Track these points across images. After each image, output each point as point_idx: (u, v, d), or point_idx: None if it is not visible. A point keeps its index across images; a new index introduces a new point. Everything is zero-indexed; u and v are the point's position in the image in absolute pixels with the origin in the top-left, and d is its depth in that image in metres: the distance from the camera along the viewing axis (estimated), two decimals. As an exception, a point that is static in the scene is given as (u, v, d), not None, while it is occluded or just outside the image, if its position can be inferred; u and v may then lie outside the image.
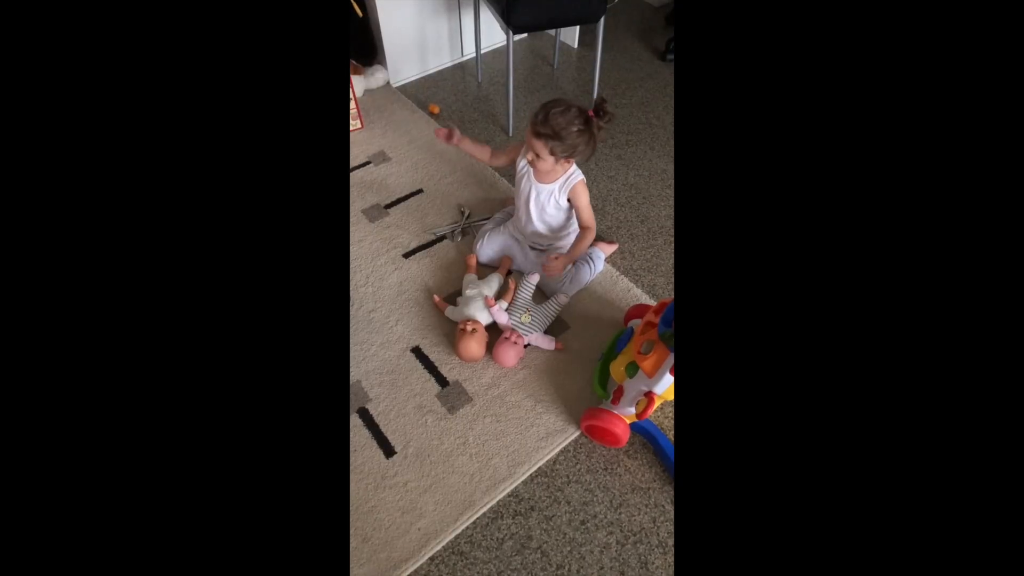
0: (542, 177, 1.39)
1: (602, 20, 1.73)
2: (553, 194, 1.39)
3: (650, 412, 1.10)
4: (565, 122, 1.23)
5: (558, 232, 1.47)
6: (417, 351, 1.38)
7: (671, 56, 2.24)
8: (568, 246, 1.50)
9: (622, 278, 1.53)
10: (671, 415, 1.27)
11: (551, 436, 1.24)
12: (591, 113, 1.26)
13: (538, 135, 1.26)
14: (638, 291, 1.50)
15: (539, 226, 1.45)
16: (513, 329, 1.35)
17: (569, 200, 1.39)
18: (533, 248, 1.52)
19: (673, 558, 1.08)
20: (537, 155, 1.29)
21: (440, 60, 2.21)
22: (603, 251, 1.55)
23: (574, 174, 1.38)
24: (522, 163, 1.40)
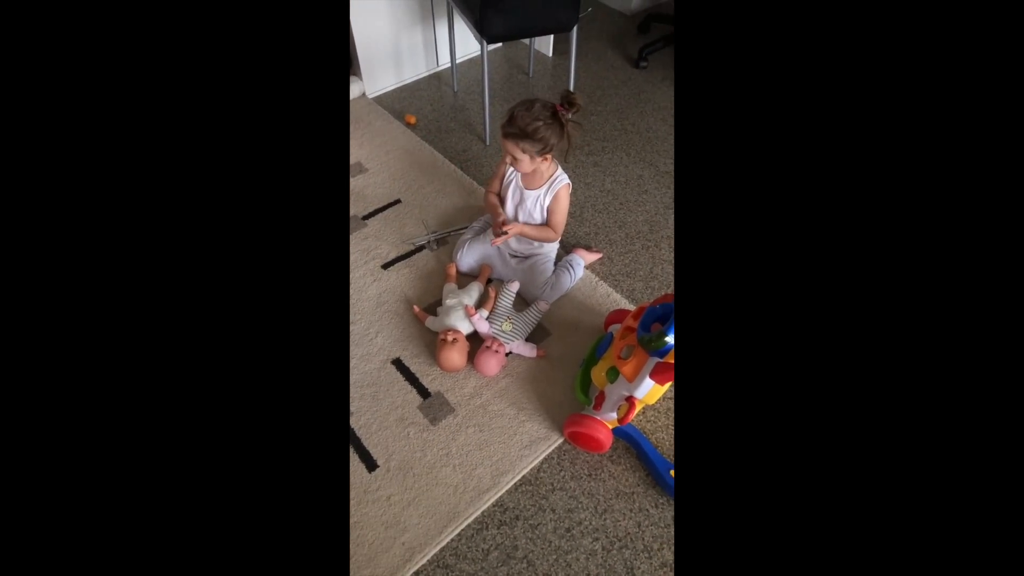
0: (529, 182, 1.40)
1: (575, 29, 1.75)
2: (539, 199, 1.40)
3: (631, 416, 1.10)
4: (530, 118, 1.25)
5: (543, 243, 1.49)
6: (398, 363, 1.37)
7: (644, 63, 2.27)
8: (550, 255, 1.52)
9: (601, 284, 1.54)
10: (653, 419, 1.28)
11: (535, 444, 1.24)
12: (558, 106, 1.27)
13: (507, 135, 1.28)
14: (617, 296, 1.51)
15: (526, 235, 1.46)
16: (494, 338, 1.35)
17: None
18: (513, 256, 1.52)
19: (658, 562, 1.09)
20: (513, 157, 1.30)
21: (416, 70, 2.21)
22: (584, 258, 1.56)
23: (559, 178, 1.39)
24: (510, 170, 1.41)
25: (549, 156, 1.33)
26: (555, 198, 1.39)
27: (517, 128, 1.25)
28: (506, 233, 1.38)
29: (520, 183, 1.41)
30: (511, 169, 1.41)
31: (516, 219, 1.45)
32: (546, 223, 1.45)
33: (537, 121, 1.25)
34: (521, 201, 1.42)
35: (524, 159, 1.30)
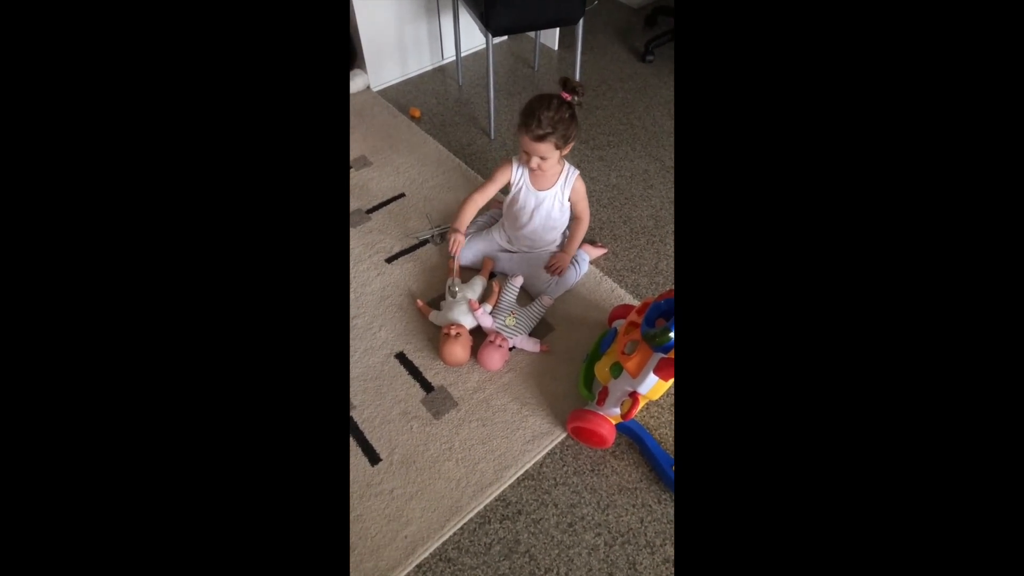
0: (541, 183, 1.40)
1: (581, 22, 1.73)
2: (556, 197, 1.41)
3: (635, 412, 1.10)
4: (558, 116, 1.25)
5: (559, 233, 1.51)
6: (401, 357, 1.37)
7: (651, 57, 2.26)
8: (553, 250, 1.51)
9: (606, 279, 1.53)
10: (657, 415, 1.27)
11: (537, 439, 1.23)
12: (566, 96, 1.27)
13: (541, 139, 1.26)
14: (622, 291, 1.51)
15: (544, 233, 1.47)
16: (498, 332, 1.35)
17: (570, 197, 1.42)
18: (518, 252, 1.52)
19: (660, 558, 1.09)
20: (543, 157, 1.30)
21: (420, 64, 2.20)
22: (589, 254, 1.55)
23: (571, 171, 1.40)
24: (517, 175, 1.40)
25: (569, 147, 1.33)
26: (576, 192, 1.41)
27: (551, 127, 1.25)
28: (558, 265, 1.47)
29: (531, 186, 1.40)
30: (519, 174, 1.39)
31: (532, 221, 1.44)
32: (573, 222, 1.48)
33: (563, 113, 1.26)
34: (537, 204, 1.41)
35: (554, 156, 1.31)
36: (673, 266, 1.58)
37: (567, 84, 1.27)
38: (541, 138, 1.26)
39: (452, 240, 1.41)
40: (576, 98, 1.28)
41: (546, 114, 1.24)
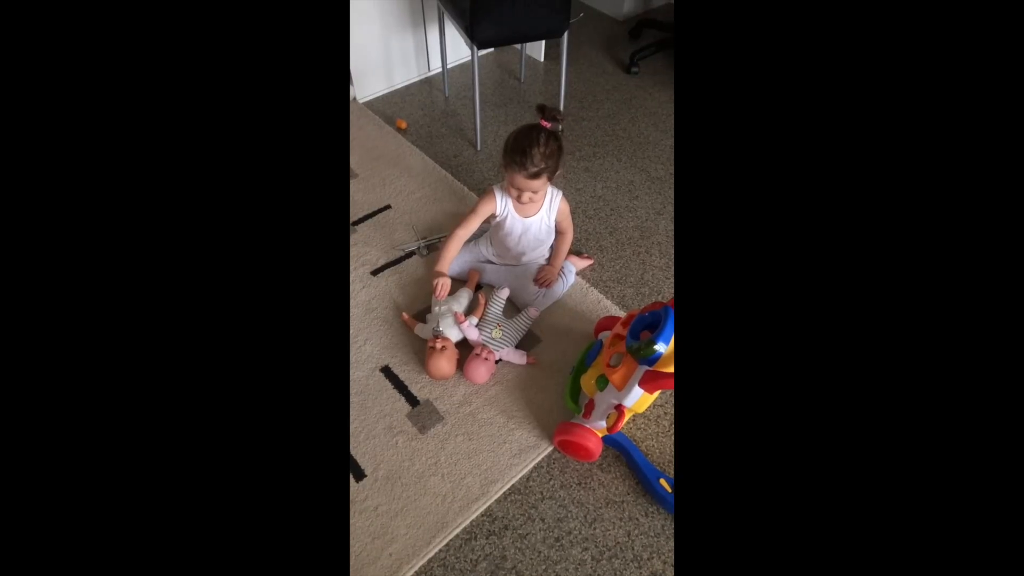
0: (526, 211, 1.40)
1: (566, 34, 1.75)
2: (543, 221, 1.42)
3: (620, 425, 1.10)
4: (548, 151, 1.25)
5: (546, 248, 1.51)
6: (386, 370, 1.36)
7: (636, 69, 2.28)
8: (540, 262, 1.52)
9: (592, 290, 1.54)
10: (643, 427, 1.27)
11: (524, 452, 1.23)
12: (545, 124, 1.26)
13: (536, 176, 1.26)
14: (608, 303, 1.51)
15: (532, 254, 1.48)
16: (484, 345, 1.34)
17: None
18: (504, 264, 1.52)
19: (647, 572, 1.08)
20: (534, 192, 1.30)
21: (407, 75, 2.20)
22: (575, 265, 1.55)
23: (555, 194, 1.41)
24: (502, 205, 1.39)
25: (557, 174, 1.34)
26: (560, 212, 1.42)
27: (543, 163, 1.25)
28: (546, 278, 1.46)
29: (517, 215, 1.40)
30: (504, 204, 1.39)
31: (519, 245, 1.45)
32: (558, 236, 1.49)
33: (550, 147, 1.26)
34: (524, 231, 1.42)
35: (544, 188, 1.32)
36: (659, 277, 1.58)
37: (545, 112, 1.27)
38: (536, 175, 1.26)
39: (438, 285, 1.40)
40: (558, 125, 1.28)
41: (538, 151, 1.24)
